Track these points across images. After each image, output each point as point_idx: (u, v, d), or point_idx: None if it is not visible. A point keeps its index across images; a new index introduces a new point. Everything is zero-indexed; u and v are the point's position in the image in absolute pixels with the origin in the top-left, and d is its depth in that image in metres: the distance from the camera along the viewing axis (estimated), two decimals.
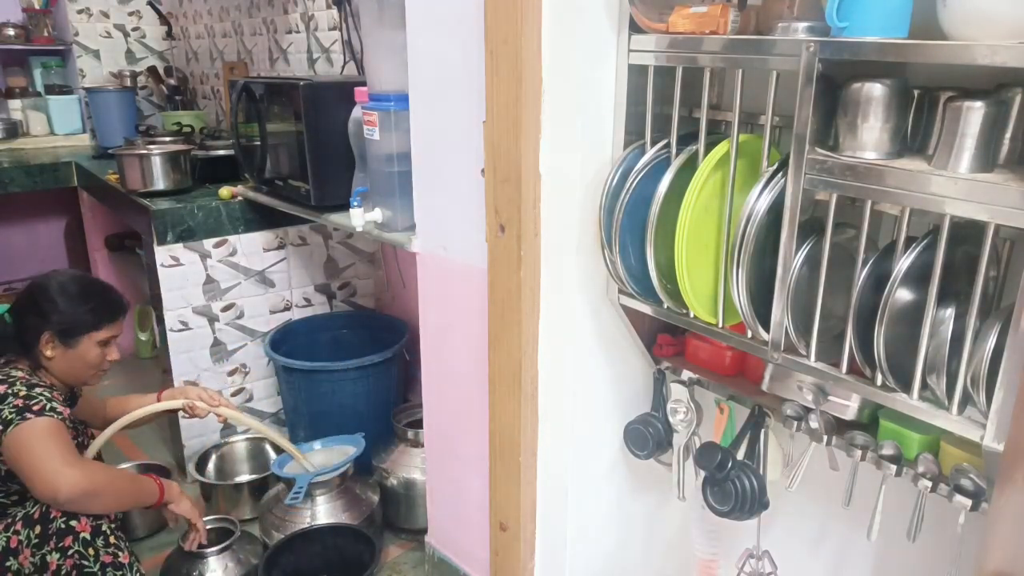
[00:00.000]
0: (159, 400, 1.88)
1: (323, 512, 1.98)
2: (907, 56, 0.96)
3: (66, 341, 1.66)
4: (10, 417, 1.49)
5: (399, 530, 2.19)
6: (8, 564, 1.49)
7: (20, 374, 1.59)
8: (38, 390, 1.56)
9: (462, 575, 1.86)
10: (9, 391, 1.53)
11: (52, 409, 1.53)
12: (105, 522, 1.56)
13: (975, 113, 0.94)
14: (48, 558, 1.49)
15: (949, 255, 0.98)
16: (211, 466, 2.37)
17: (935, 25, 0.95)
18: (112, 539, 1.57)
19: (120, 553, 1.57)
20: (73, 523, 1.51)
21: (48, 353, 1.65)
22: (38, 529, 1.50)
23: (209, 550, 1.87)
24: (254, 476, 2.34)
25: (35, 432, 1.49)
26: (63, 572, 1.50)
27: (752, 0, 1.18)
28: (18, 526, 1.51)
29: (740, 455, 1.37)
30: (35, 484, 1.48)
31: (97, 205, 3.31)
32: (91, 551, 1.52)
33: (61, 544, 1.50)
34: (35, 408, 1.51)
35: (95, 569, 1.53)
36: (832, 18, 1.00)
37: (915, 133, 1.09)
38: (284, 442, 2.02)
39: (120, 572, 1.57)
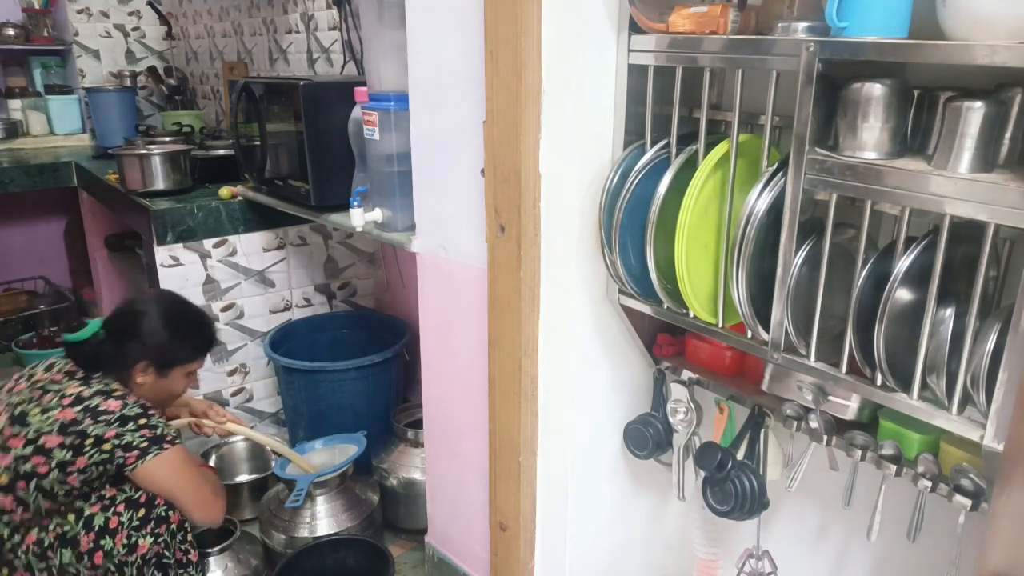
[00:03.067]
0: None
1: (323, 512, 1.98)
2: (907, 56, 0.96)
3: (161, 371, 1.65)
4: (144, 446, 1.51)
5: (399, 530, 2.19)
6: (103, 543, 1.50)
7: (124, 390, 1.58)
8: (153, 417, 1.56)
9: (462, 575, 1.86)
10: (128, 413, 1.52)
11: (176, 437, 1.58)
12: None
13: (975, 113, 0.94)
14: (141, 540, 1.54)
15: (949, 255, 0.98)
16: (211, 466, 2.37)
17: (935, 25, 0.95)
18: (188, 536, 1.64)
19: (191, 551, 1.64)
20: (170, 513, 1.58)
21: (140, 380, 1.63)
22: (142, 512, 1.54)
23: (209, 550, 1.87)
24: (254, 476, 2.34)
25: (179, 464, 1.56)
26: (148, 556, 1.55)
27: (752, 0, 1.18)
28: (120, 507, 1.53)
29: (740, 455, 1.37)
30: (193, 512, 1.61)
31: (97, 205, 3.31)
32: (174, 542, 1.59)
33: (157, 530, 1.56)
34: (167, 439, 1.54)
35: (171, 561, 1.59)
36: (832, 18, 1.00)
37: (915, 133, 1.09)
38: (292, 454, 2.02)
39: (182, 571, 1.61)
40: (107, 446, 1.48)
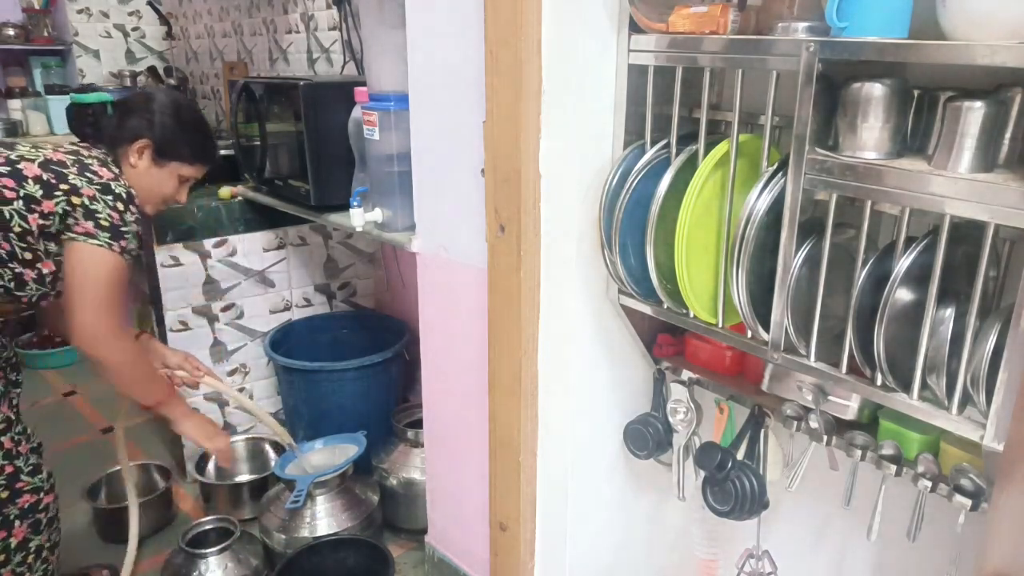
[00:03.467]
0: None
1: (323, 512, 1.98)
2: (907, 56, 0.96)
3: (157, 158, 1.58)
4: (104, 226, 1.42)
5: (399, 530, 2.19)
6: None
7: (119, 171, 1.52)
8: (133, 212, 1.48)
9: (462, 575, 1.86)
10: (115, 188, 1.45)
11: (130, 251, 1.48)
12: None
13: (975, 113, 0.94)
14: None
15: (949, 255, 0.98)
16: (211, 466, 2.37)
17: (935, 25, 0.95)
18: (29, 558, 1.54)
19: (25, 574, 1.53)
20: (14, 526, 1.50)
21: (133, 160, 1.56)
22: (10, 481, 1.48)
23: (209, 550, 1.87)
24: (254, 476, 2.34)
25: (109, 270, 1.44)
26: None
27: (752, 0, 1.18)
28: (18, 461, 1.48)
29: (740, 455, 1.37)
30: (78, 322, 1.43)
31: None
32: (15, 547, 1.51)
33: (4, 509, 1.49)
34: (122, 242, 1.45)
35: None
36: (832, 18, 1.00)
37: (915, 133, 1.09)
38: (269, 419, 1.99)
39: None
40: (76, 200, 1.40)
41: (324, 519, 1.97)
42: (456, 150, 1.51)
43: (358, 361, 2.25)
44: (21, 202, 1.38)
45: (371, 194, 1.79)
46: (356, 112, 1.85)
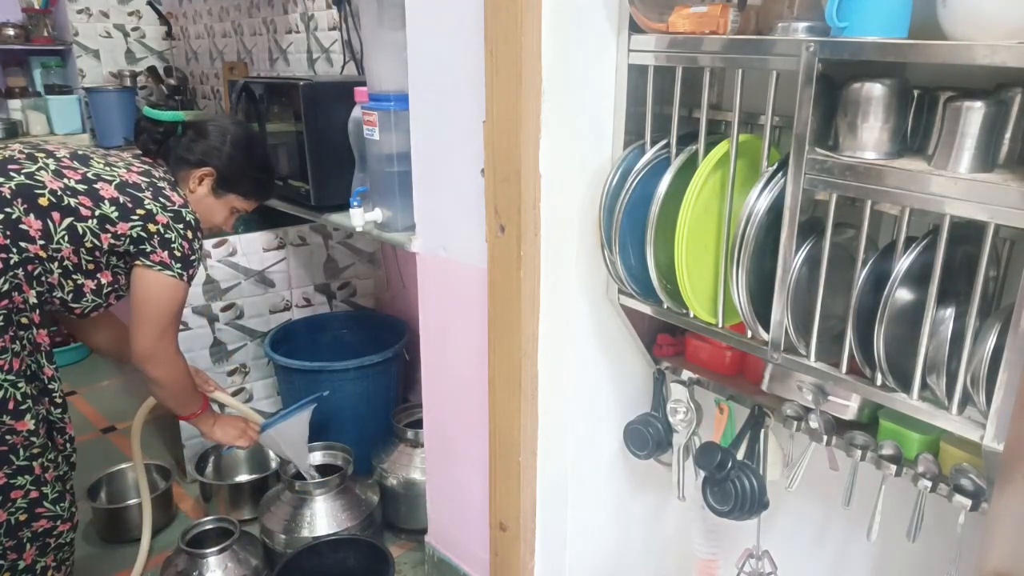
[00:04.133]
0: None
1: (323, 512, 1.98)
2: (907, 56, 0.96)
3: (217, 188, 1.61)
4: (178, 256, 1.46)
5: (399, 530, 2.19)
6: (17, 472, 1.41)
7: (185, 195, 1.55)
8: (200, 240, 1.53)
9: (462, 575, 1.86)
10: (185, 215, 1.48)
11: (192, 278, 1.53)
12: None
13: (975, 113, 0.94)
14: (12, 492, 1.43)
15: (949, 255, 0.98)
16: (210, 466, 2.37)
17: (935, 25, 0.95)
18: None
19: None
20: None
21: (192, 185, 1.59)
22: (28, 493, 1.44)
23: (209, 550, 1.87)
24: (254, 476, 2.34)
25: (178, 298, 1.51)
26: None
27: (752, 0, 1.18)
28: (44, 479, 1.45)
29: (740, 455, 1.37)
30: (142, 344, 1.51)
31: None
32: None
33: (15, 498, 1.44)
34: (191, 271, 1.51)
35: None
36: (832, 18, 1.00)
37: (915, 133, 1.09)
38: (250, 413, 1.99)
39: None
40: (152, 227, 1.43)
41: (324, 519, 1.97)
42: (456, 150, 1.51)
43: (358, 361, 2.25)
44: (95, 221, 1.41)
45: (371, 194, 1.79)
46: (356, 112, 1.85)
